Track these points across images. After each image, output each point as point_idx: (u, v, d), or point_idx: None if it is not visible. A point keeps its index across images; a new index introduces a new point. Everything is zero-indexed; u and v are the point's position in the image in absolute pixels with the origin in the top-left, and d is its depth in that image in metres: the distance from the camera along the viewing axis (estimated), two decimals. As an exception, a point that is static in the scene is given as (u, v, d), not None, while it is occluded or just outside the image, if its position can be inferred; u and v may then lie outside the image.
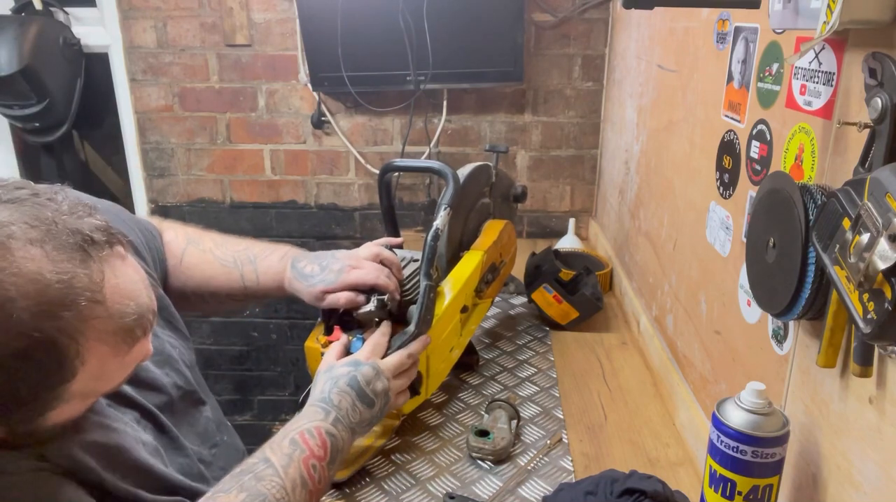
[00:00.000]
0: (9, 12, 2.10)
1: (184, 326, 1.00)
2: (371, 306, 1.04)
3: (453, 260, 1.27)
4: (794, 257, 0.69)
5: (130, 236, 0.94)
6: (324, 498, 0.99)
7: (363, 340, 1.02)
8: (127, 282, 0.65)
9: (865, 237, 0.55)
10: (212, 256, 1.08)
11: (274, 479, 0.76)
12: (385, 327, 1.04)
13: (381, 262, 1.06)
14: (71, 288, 0.57)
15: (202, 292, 1.07)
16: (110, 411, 0.78)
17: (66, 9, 2.15)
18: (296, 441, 0.81)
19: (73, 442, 0.70)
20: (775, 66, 0.87)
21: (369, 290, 1.05)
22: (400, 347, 1.02)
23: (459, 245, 1.33)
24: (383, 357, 0.99)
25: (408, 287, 1.12)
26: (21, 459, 0.66)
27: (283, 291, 1.07)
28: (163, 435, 0.85)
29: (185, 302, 1.07)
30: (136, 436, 0.78)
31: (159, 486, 0.77)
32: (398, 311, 1.09)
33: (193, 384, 0.95)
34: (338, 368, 0.94)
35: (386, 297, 1.04)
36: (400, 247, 1.19)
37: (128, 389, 0.82)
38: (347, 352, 1.01)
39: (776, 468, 0.75)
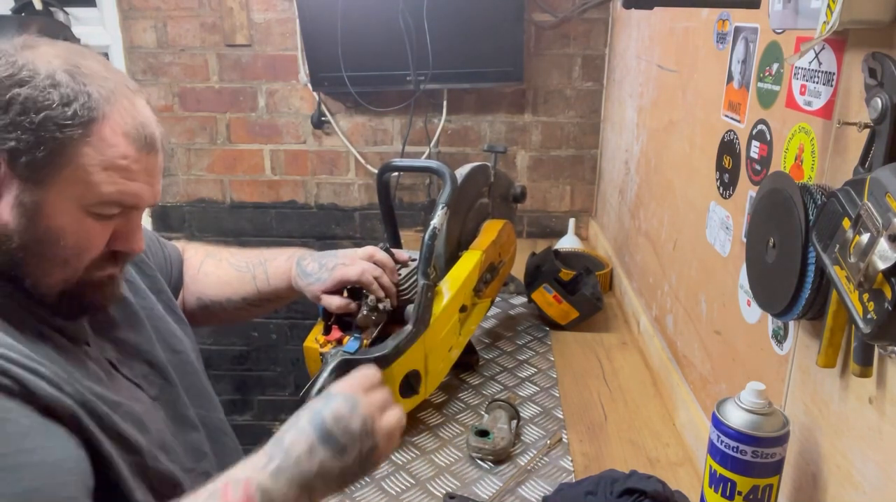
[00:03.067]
0: (9, 12, 2.10)
1: (181, 312, 1.05)
2: (364, 310, 1.04)
3: (452, 259, 1.27)
4: (794, 257, 0.69)
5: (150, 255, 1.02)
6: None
7: (360, 339, 1.04)
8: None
9: (865, 237, 0.55)
10: (227, 264, 1.14)
11: None
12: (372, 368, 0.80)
13: (375, 263, 1.07)
14: (106, 79, 0.74)
15: (220, 299, 1.12)
16: (118, 376, 0.80)
17: (66, 9, 2.14)
18: (216, 492, 0.67)
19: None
20: (775, 66, 0.87)
21: (361, 293, 1.06)
22: (396, 346, 1.03)
23: (458, 245, 1.33)
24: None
25: (405, 286, 1.12)
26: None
27: (292, 290, 1.10)
28: (170, 388, 0.87)
29: (205, 312, 1.13)
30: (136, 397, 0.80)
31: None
32: (396, 311, 1.09)
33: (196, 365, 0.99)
34: (316, 400, 0.75)
35: (370, 299, 1.04)
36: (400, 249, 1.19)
37: (140, 342, 0.85)
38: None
39: (776, 468, 0.75)
